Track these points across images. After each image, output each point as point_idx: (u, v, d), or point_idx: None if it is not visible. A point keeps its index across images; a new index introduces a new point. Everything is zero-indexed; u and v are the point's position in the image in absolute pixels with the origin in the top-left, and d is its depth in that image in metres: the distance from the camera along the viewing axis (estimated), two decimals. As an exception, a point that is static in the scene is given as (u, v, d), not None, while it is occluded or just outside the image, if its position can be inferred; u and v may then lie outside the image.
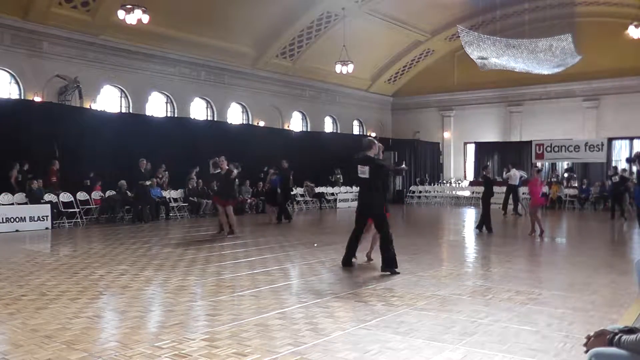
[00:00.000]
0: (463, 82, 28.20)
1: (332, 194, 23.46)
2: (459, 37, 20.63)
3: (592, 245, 11.98)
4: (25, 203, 14.27)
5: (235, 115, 24.12)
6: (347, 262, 8.40)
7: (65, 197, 15.17)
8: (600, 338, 2.85)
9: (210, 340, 4.69)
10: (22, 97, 17.11)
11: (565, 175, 25.46)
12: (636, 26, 19.80)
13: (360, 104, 29.95)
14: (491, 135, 28.86)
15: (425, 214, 21.76)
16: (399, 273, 7.76)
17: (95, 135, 16.26)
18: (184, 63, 21.36)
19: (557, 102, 26.61)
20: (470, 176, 29.59)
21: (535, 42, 19.27)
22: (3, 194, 14.18)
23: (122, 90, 20.00)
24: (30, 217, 13.78)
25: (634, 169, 16.31)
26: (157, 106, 21.22)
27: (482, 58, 20.32)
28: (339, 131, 28.71)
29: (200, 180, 18.20)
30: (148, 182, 16.16)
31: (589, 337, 2.93)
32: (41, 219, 13.96)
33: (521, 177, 18.52)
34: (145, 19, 15.83)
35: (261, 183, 19.28)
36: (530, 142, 26.10)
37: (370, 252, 8.84)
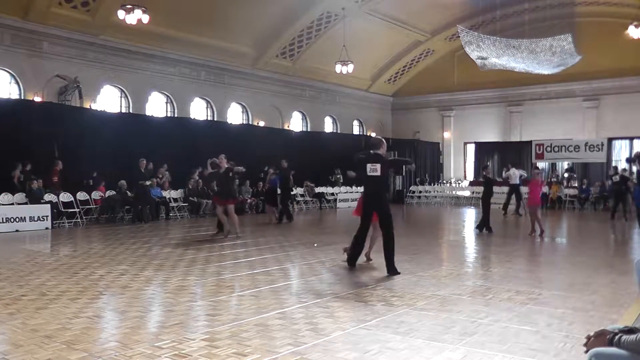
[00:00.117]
0: (463, 82, 28.20)
1: (332, 194, 23.46)
2: (459, 37, 20.64)
3: (592, 245, 11.98)
4: (25, 203, 14.26)
5: (235, 115, 24.12)
6: (353, 261, 8.31)
7: (65, 197, 15.17)
8: (600, 338, 2.85)
9: (210, 340, 4.69)
10: (22, 97, 17.11)
11: (566, 175, 25.46)
12: (636, 26, 19.80)
13: (360, 104, 29.95)
14: (491, 135, 28.87)
15: (425, 214, 21.76)
16: (399, 273, 7.76)
17: (95, 135, 16.26)
18: (184, 63, 21.37)
19: (557, 102, 26.61)
20: (470, 176, 29.60)
21: (535, 42, 19.27)
22: (3, 194, 14.17)
23: (122, 90, 20.00)
24: (30, 217, 13.78)
25: (634, 169, 16.31)
26: (157, 106, 21.22)
27: (482, 58, 20.32)
28: (339, 131, 28.71)
29: (200, 180, 18.19)
30: (148, 182, 16.16)
31: (589, 337, 2.93)
32: (41, 219, 13.95)
33: (521, 176, 18.52)
34: (145, 19, 15.84)
35: (261, 183, 19.27)
36: (530, 142, 26.11)
37: (369, 252, 8.83)
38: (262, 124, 24.10)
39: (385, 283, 7.28)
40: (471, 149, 29.75)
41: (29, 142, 15.21)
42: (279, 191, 16.43)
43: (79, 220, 15.23)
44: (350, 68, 22.60)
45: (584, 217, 19.72)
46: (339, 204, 22.82)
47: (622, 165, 22.26)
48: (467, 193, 26.43)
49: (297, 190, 21.65)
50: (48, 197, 14.66)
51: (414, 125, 30.70)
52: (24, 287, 6.87)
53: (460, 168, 30.42)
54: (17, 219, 13.53)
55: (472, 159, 29.70)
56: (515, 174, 18.58)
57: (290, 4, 21.01)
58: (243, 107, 24.42)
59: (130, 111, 19.88)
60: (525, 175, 18.52)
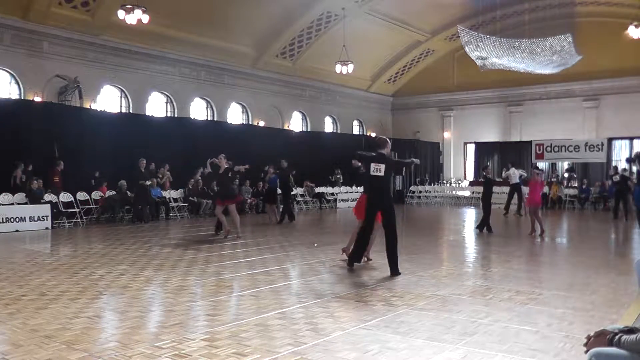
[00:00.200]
0: (463, 82, 28.20)
1: (332, 194, 23.46)
2: (459, 37, 20.64)
3: (592, 245, 11.97)
4: (25, 203, 14.26)
5: (235, 115, 24.12)
6: (355, 260, 8.24)
7: (65, 197, 15.17)
8: (600, 338, 2.85)
9: (210, 340, 4.69)
10: (22, 97, 17.11)
11: (566, 175, 25.47)
12: (636, 26, 19.80)
13: (360, 104, 29.96)
14: (491, 135, 28.87)
15: (425, 214, 21.75)
16: (400, 273, 7.76)
17: (95, 135, 16.27)
18: (184, 63, 21.37)
19: (557, 102, 26.61)
20: (470, 176, 29.61)
21: (535, 42, 19.27)
22: (3, 194, 14.18)
23: (122, 90, 20.00)
24: (30, 217, 13.78)
25: (634, 169, 16.31)
26: (157, 106, 21.22)
27: (482, 58, 20.32)
28: (339, 131, 28.71)
29: (201, 180, 18.20)
30: (148, 182, 16.16)
31: (589, 337, 2.93)
32: (41, 219, 13.95)
33: (521, 176, 18.53)
34: (145, 19, 15.83)
35: (261, 183, 19.28)
36: (530, 142, 26.12)
37: (368, 251, 8.81)
38: (262, 124, 24.10)
39: (385, 283, 7.28)
40: (471, 149, 29.75)
41: (29, 142, 15.22)
42: (279, 191, 16.43)
43: (79, 220, 15.23)
44: (350, 68, 22.60)
45: (584, 217, 19.72)
46: (339, 204, 22.82)
47: (622, 165, 22.29)
48: (467, 193, 26.43)
49: (297, 190, 21.65)
50: (48, 197, 14.66)
51: (414, 125, 30.70)
52: (24, 287, 6.87)
53: (460, 168, 30.42)
54: (17, 219, 13.53)
55: (472, 159, 29.70)
56: (515, 174, 18.59)
57: (290, 4, 21.01)
58: (243, 107, 24.42)
59: (130, 111, 19.88)
60: (525, 175, 18.52)
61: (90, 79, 18.20)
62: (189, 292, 6.65)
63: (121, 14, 15.70)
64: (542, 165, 25.20)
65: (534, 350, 4.48)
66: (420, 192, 27.20)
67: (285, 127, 25.60)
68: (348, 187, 24.38)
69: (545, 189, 21.67)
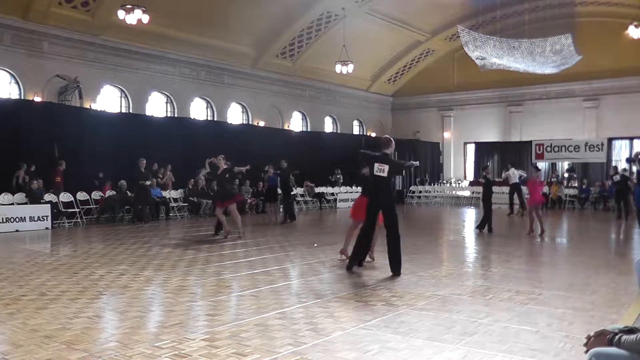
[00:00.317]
0: (463, 82, 28.21)
1: (332, 194, 23.47)
2: (459, 37, 20.64)
3: (592, 245, 11.98)
4: (25, 203, 14.27)
5: (235, 115, 24.12)
6: (355, 263, 8.16)
7: (65, 197, 15.17)
8: (600, 338, 2.85)
9: (210, 340, 4.69)
10: (22, 97, 17.12)
11: (566, 175, 25.47)
12: (636, 26, 19.81)
13: (360, 104, 29.96)
14: (491, 135, 28.87)
15: (425, 214, 21.76)
16: (400, 274, 7.75)
17: (95, 135, 16.27)
18: (184, 63, 21.37)
19: (557, 102, 26.62)
20: (470, 176, 29.61)
21: (535, 42, 19.27)
22: (3, 194, 14.18)
23: (122, 90, 20.01)
24: (30, 217, 13.78)
25: (634, 169, 16.31)
26: (157, 106, 21.23)
27: (482, 58, 20.33)
28: (339, 131, 28.72)
29: (203, 180, 18.19)
30: (148, 182, 16.16)
31: (589, 337, 2.93)
32: (41, 219, 13.96)
33: (520, 176, 18.53)
34: (145, 19, 15.84)
35: (261, 183, 19.29)
36: (530, 142, 26.13)
37: (372, 251, 8.80)
38: (262, 124, 24.10)
39: (385, 283, 7.28)
40: (471, 149, 29.76)
41: (29, 143, 15.22)
42: (279, 191, 16.41)
43: (79, 220, 15.23)
44: (350, 68, 22.60)
45: (584, 217, 19.72)
46: (339, 204, 22.83)
47: (622, 165, 22.29)
48: (467, 193, 26.44)
49: (297, 190, 21.65)
50: (48, 197, 14.66)
51: (414, 125, 30.70)
52: (24, 287, 6.87)
53: (460, 168, 30.43)
54: (17, 219, 13.54)
55: (472, 159, 29.71)
56: (514, 174, 18.59)
57: (290, 4, 21.01)
58: (243, 107, 24.43)
59: (130, 111, 19.88)
60: (525, 175, 18.53)
61: (90, 79, 18.20)
62: (189, 292, 6.65)
63: (121, 14, 15.71)
64: (542, 165, 25.20)
65: (534, 350, 4.48)
66: (420, 192, 27.21)
67: (285, 127, 25.60)
68: (348, 187, 24.38)
69: (545, 189, 21.69)
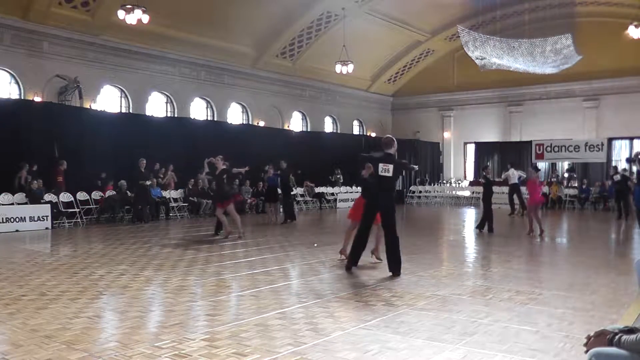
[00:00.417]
0: (463, 82, 28.21)
1: (332, 194, 23.47)
2: (459, 37, 20.64)
3: (592, 245, 11.98)
4: (25, 203, 14.26)
5: (235, 115, 24.12)
6: (353, 263, 8.17)
7: (65, 197, 15.17)
8: (600, 338, 2.85)
9: (210, 340, 4.69)
10: (22, 97, 17.12)
11: (566, 175, 25.47)
12: (636, 26, 19.80)
13: (360, 104, 29.96)
14: (491, 135, 28.87)
15: (425, 214, 21.76)
16: (400, 275, 7.75)
17: (95, 135, 16.27)
18: (184, 63, 21.37)
19: (557, 102, 26.62)
20: (470, 176, 29.61)
21: (535, 42, 19.27)
22: (3, 194, 14.17)
23: (122, 90, 20.01)
24: (30, 217, 13.78)
25: (634, 169, 16.31)
26: (157, 106, 21.23)
27: (482, 58, 20.33)
28: (339, 131, 28.72)
29: (201, 181, 18.20)
30: (148, 182, 16.16)
31: (589, 337, 2.93)
32: (41, 219, 13.96)
33: (520, 177, 18.54)
34: (145, 19, 15.84)
35: (261, 183, 19.29)
36: (530, 142, 26.14)
37: (377, 251, 8.76)
38: (262, 124, 24.10)
39: (385, 283, 7.28)
40: (471, 149, 29.76)
41: (29, 143, 15.22)
42: (279, 191, 16.41)
43: (79, 220, 15.23)
44: (350, 68, 22.60)
45: (584, 217, 19.72)
46: (339, 204, 22.83)
47: (622, 165, 22.29)
48: (467, 193, 26.44)
49: (297, 190, 21.66)
50: (48, 197, 14.66)
51: (414, 125, 30.70)
52: (24, 287, 6.87)
53: (460, 168, 30.42)
54: (17, 219, 13.53)
55: (472, 159, 29.71)
56: (514, 174, 18.60)
57: (290, 4, 21.01)
58: (243, 107, 24.42)
59: (130, 111, 19.89)
60: (524, 175, 18.53)
61: (90, 79, 18.20)
62: (189, 292, 6.65)
63: (121, 14, 15.71)
64: (542, 165, 25.19)
65: (534, 350, 4.48)
66: (420, 192, 27.21)
67: (285, 127, 25.60)
68: (348, 187, 24.38)
69: (545, 189, 21.69)
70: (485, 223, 13.55)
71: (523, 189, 17.74)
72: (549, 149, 25.24)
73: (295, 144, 23.29)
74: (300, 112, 27.14)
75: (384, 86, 30.38)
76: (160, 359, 4.25)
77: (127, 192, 16.09)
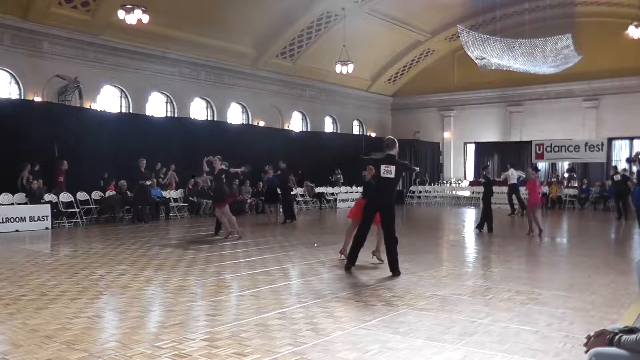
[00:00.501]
0: (463, 82, 28.20)
1: (332, 194, 23.47)
2: (459, 37, 20.64)
3: (592, 245, 11.98)
4: (25, 203, 14.26)
5: (235, 115, 24.12)
6: (350, 265, 8.16)
7: (65, 197, 15.17)
8: (600, 338, 2.85)
9: (210, 340, 4.69)
10: (22, 97, 17.11)
11: (566, 175, 25.46)
12: (636, 26, 19.80)
13: (360, 104, 29.96)
14: (491, 135, 28.87)
15: (425, 214, 21.76)
16: (400, 274, 7.76)
17: (95, 135, 16.27)
18: (184, 63, 21.36)
19: (557, 102, 26.62)
20: (470, 176, 29.61)
21: (535, 42, 19.27)
22: (3, 194, 14.17)
23: (122, 90, 20.01)
24: (30, 217, 13.78)
25: (634, 169, 16.31)
26: (157, 106, 21.22)
27: (482, 58, 20.32)
28: (339, 131, 28.72)
29: (201, 181, 18.20)
30: (148, 182, 16.16)
31: (589, 337, 2.93)
32: (41, 219, 13.96)
33: (519, 177, 18.54)
34: (145, 19, 15.84)
35: (261, 183, 19.29)
36: (530, 142, 26.13)
37: (379, 252, 8.75)
38: (262, 124, 24.10)
39: (385, 283, 7.28)
40: (471, 149, 29.76)
41: (29, 143, 15.21)
42: (279, 190, 16.41)
43: (79, 220, 15.23)
44: (350, 68, 22.60)
45: (584, 217, 19.72)
46: (339, 204, 22.83)
47: (622, 165, 22.30)
48: (467, 193, 26.44)
49: (297, 190, 21.67)
50: (48, 197, 14.66)
51: (414, 125, 30.70)
52: (24, 287, 6.87)
53: (460, 168, 30.42)
54: (17, 219, 13.54)
55: (472, 159, 29.70)
56: (513, 175, 18.60)
57: (290, 4, 21.00)
58: (243, 107, 24.42)
59: (130, 111, 19.88)
60: (524, 175, 18.54)
61: (90, 79, 18.20)
62: (189, 292, 6.65)
63: (121, 14, 15.71)
64: (542, 165, 25.19)
65: (534, 350, 4.48)
66: (420, 192, 27.20)
67: (285, 127, 25.60)
68: (348, 187, 24.38)
69: (545, 189, 21.69)
70: (484, 223, 13.55)
71: (522, 189, 17.74)
72: (549, 149, 25.24)
73: (295, 144, 23.30)
74: (300, 112, 27.14)
75: (384, 86, 30.38)
76: (160, 359, 4.25)
77: (127, 192, 16.09)
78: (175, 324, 5.22)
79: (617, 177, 18.21)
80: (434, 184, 28.27)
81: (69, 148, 15.81)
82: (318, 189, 23.01)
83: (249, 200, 19.56)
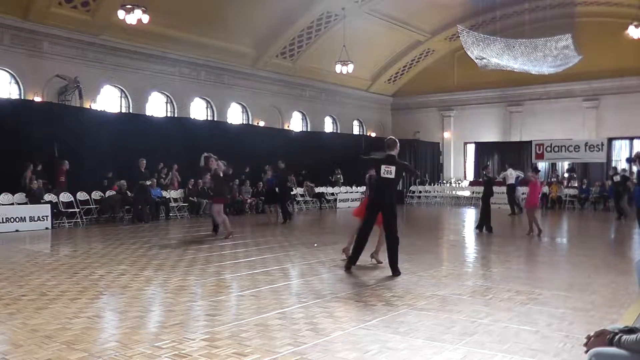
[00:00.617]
0: (463, 82, 28.20)
1: (332, 194, 23.46)
2: (459, 37, 20.64)
3: (591, 245, 11.97)
4: (25, 203, 14.26)
5: (235, 115, 24.12)
6: (351, 264, 8.16)
7: (65, 197, 15.17)
8: (600, 338, 2.85)
9: (210, 340, 4.69)
10: (22, 97, 17.11)
11: (566, 175, 25.46)
12: (636, 26, 19.80)
13: (360, 104, 29.96)
14: (491, 135, 28.87)
15: (425, 214, 21.75)
16: (400, 274, 7.76)
17: (95, 135, 16.27)
18: (184, 63, 21.36)
19: (557, 102, 26.62)
20: (470, 176, 29.61)
21: (535, 42, 19.28)
22: (3, 194, 14.17)
23: (122, 90, 20.01)
24: (30, 217, 13.78)
25: (634, 169, 16.33)
26: (157, 106, 21.22)
27: (482, 58, 20.32)
28: (339, 131, 28.72)
29: (201, 180, 18.22)
30: (148, 182, 16.16)
31: (589, 337, 2.93)
32: (41, 219, 13.95)
33: (517, 177, 18.55)
34: (145, 19, 15.84)
35: (261, 183, 19.29)
36: (530, 142, 26.13)
37: (377, 254, 8.75)
38: (262, 124, 24.10)
39: (385, 283, 7.28)
40: (471, 149, 29.76)
41: (29, 143, 15.20)
42: (277, 190, 16.42)
43: (79, 220, 15.23)
44: (350, 68, 22.60)
45: (584, 217, 19.71)
46: (339, 204, 22.82)
47: (622, 165, 22.31)
48: (467, 193, 26.44)
49: (297, 190, 21.67)
50: (48, 197, 14.66)
51: (414, 125, 30.70)
52: (24, 287, 6.87)
53: (460, 168, 30.43)
54: (17, 219, 13.53)
55: (472, 159, 29.71)
56: (512, 175, 18.62)
57: (290, 4, 21.00)
58: (243, 107, 24.42)
59: (130, 111, 19.88)
60: (522, 175, 18.54)
61: (90, 79, 18.19)
62: (189, 292, 6.65)
63: (121, 14, 15.71)
64: (542, 165, 25.19)
65: (534, 350, 4.48)
66: (420, 192, 27.19)
67: (285, 127, 25.60)
68: (348, 187, 24.37)
69: (545, 189, 21.69)
70: (483, 223, 13.55)
71: (522, 189, 17.75)
72: (549, 149, 25.23)
73: (295, 144, 23.29)
74: (300, 112, 27.14)
75: (384, 86, 30.38)
76: (160, 359, 4.25)
77: (127, 192, 16.09)
78: (175, 324, 5.22)
79: (617, 178, 18.23)
80: (434, 184, 28.26)
81: (69, 148, 15.80)
82: (318, 189, 23.00)
83: (249, 200, 19.55)
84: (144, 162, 16.06)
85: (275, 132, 23.86)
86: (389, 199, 8.06)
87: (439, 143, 30.42)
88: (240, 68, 23.23)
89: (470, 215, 19.72)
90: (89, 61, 18.50)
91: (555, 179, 24.54)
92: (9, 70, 17.14)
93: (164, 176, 17.90)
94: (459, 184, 29.39)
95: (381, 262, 8.54)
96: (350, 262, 8.19)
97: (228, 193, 12.80)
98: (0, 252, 10.12)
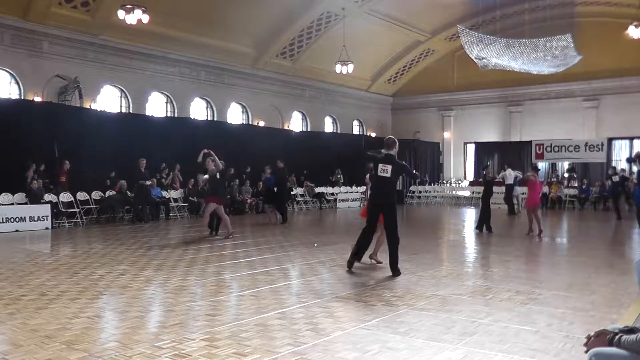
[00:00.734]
0: (463, 82, 28.21)
1: (332, 194, 23.46)
2: (459, 37, 20.63)
3: (592, 245, 11.97)
4: (25, 203, 14.26)
5: (235, 115, 24.12)
6: (351, 263, 8.19)
7: (65, 197, 15.17)
8: (600, 338, 2.85)
9: (210, 340, 4.69)
10: (22, 97, 17.11)
11: (566, 175, 25.46)
12: (636, 26, 19.80)
13: (360, 104, 29.96)
14: (491, 135, 28.87)
15: (425, 214, 21.76)
16: (400, 273, 7.76)
17: (95, 135, 16.27)
18: (184, 63, 21.36)
19: (557, 102, 26.62)
20: (470, 176, 29.60)
21: (535, 42, 19.27)
22: (3, 194, 14.17)
23: (122, 90, 20.01)
24: (30, 217, 13.78)
25: (634, 168, 16.34)
26: (157, 106, 21.22)
27: (482, 58, 20.31)
28: (339, 131, 28.72)
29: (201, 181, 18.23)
30: (148, 182, 16.16)
31: (589, 337, 2.93)
32: (41, 219, 13.95)
33: (516, 177, 18.55)
34: (145, 19, 15.84)
35: (261, 183, 19.29)
36: (530, 142, 26.12)
37: (376, 253, 8.75)
38: (262, 124, 24.10)
39: (385, 283, 7.28)
40: (471, 149, 29.75)
41: (29, 143, 15.21)
42: (275, 190, 16.41)
43: (79, 220, 15.23)
44: (350, 68, 22.60)
45: (584, 217, 19.71)
46: (339, 204, 22.82)
47: (622, 165, 22.31)
48: (467, 193, 26.43)
49: (297, 190, 21.65)
50: (48, 197, 14.66)
51: (414, 125, 30.70)
52: (24, 287, 6.87)
53: (460, 168, 30.42)
54: (17, 219, 13.53)
55: (472, 159, 29.70)
56: (510, 175, 18.62)
57: (290, 4, 21.00)
58: (243, 107, 24.42)
59: (130, 111, 19.88)
60: (521, 176, 18.54)
61: (90, 79, 18.19)
62: (189, 292, 6.65)
63: (121, 14, 15.71)
64: (542, 165, 25.17)
65: (534, 350, 4.48)
66: (420, 192, 27.19)
67: (285, 127, 25.60)
68: (348, 187, 24.37)
69: (545, 189, 21.68)
70: (483, 223, 13.55)
71: (520, 189, 17.75)
72: (549, 149, 25.23)
73: (295, 144, 23.29)
74: (300, 112, 27.14)
75: (384, 86, 30.38)
76: (160, 359, 4.25)
77: (127, 192, 16.09)
78: (175, 324, 5.22)
79: (616, 178, 18.24)
80: (434, 184, 28.27)
81: (69, 148, 15.80)
82: (318, 189, 23.01)
83: (249, 200, 19.56)
84: (144, 162, 16.05)
85: (275, 132, 23.86)
86: (388, 198, 8.07)
87: (439, 143, 30.42)
88: (240, 68, 23.23)
89: (470, 215, 19.72)
90: (89, 61, 18.49)
91: (555, 179, 24.54)
92: (9, 70, 17.14)
93: (165, 176, 17.90)
94: (459, 184, 29.38)
95: (381, 263, 8.53)
96: (351, 263, 8.20)
97: (226, 193, 12.78)
98: (0, 252, 10.12)
